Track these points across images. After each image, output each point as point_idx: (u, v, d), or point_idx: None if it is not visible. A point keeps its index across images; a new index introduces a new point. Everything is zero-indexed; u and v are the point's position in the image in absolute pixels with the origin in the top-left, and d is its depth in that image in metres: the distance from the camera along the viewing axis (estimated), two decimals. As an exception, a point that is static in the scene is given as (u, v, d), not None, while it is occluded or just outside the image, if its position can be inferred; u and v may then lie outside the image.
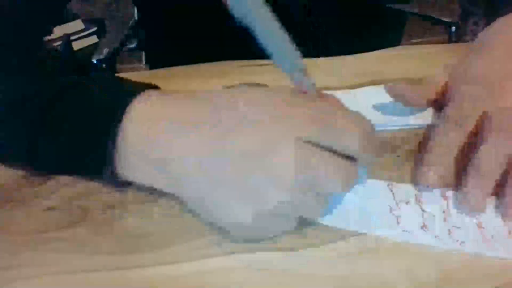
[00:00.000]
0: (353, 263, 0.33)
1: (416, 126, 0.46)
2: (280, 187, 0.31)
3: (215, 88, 0.53)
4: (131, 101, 0.35)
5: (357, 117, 0.34)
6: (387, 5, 0.80)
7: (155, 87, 0.38)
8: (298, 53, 0.32)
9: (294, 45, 0.31)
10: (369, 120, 0.35)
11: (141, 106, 0.35)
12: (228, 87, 0.38)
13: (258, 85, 0.43)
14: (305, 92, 0.33)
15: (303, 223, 0.34)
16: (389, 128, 0.46)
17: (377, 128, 0.46)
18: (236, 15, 0.29)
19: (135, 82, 0.38)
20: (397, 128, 0.46)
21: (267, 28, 0.30)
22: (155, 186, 0.35)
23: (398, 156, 0.42)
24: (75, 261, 0.33)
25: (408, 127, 0.46)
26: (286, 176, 0.31)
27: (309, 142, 0.32)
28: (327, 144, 0.32)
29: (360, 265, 0.32)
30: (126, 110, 0.34)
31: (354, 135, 0.32)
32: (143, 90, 0.36)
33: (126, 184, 0.37)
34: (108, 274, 0.32)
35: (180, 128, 0.34)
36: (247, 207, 0.31)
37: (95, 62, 0.84)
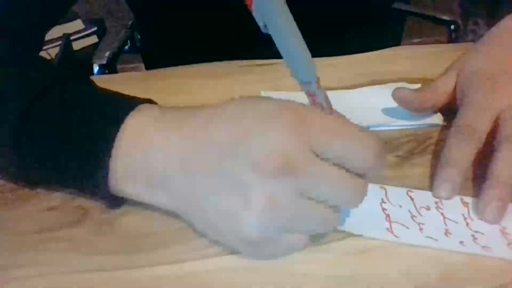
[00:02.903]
0: (353, 263, 0.33)
1: (416, 126, 0.46)
2: (257, 170, 0.29)
3: (214, 87, 0.53)
4: (121, 123, 0.33)
5: (368, 134, 0.32)
6: (387, 5, 0.80)
7: (131, 102, 0.35)
8: (314, 65, 0.31)
9: (311, 56, 0.30)
10: (379, 138, 0.32)
11: (133, 125, 0.33)
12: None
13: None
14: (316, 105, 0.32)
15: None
16: (389, 128, 0.46)
17: (377, 128, 0.46)
18: (257, 20, 0.28)
19: (126, 98, 0.36)
20: (397, 128, 0.46)
21: (287, 36, 0.29)
22: (142, 197, 0.34)
23: (398, 156, 0.42)
24: (75, 261, 0.33)
25: (408, 127, 0.46)
26: (267, 159, 0.29)
27: (314, 152, 0.30)
28: (335, 159, 0.30)
29: (360, 265, 0.32)
30: (119, 131, 0.33)
31: (365, 153, 0.31)
32: (130, 111, 0.34)
33: (119, 203, 0.36)
34: (108, 274, 0.32)
35: (163, 131, 0.33)
36: (232, 194, 0.30)
37: (97, 68, 0.84)
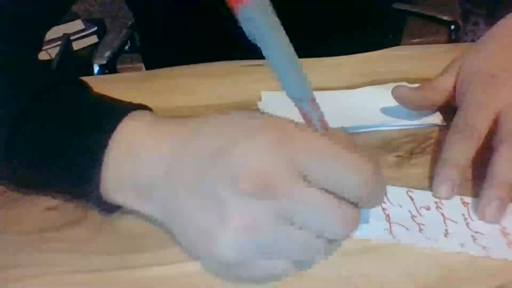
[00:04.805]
0: (353, 263, 0.33)
1: (416, 126, 0.46)
2: (233, 186, 0.28)
3: (214, 87, 0.53)
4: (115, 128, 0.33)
5: (364, 160, 0.29)
6: (387, 5, 0.80)
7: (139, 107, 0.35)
8: (309, 82, 0.29)
9: (306, 74, 0.28)
10: (377, 162, 0.30)
11: (125, 132, 0.33)
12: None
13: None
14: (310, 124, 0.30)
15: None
16: (389, 128, 0.46)
17: (377, 128, 0.46)
18: (246, 31, 0.26)
19: (118, 103, 0.36)
20: (397, 128, 0.46)
21: (279, 52, 0.27)
22: (130, 204, 0.34)
23: (398, 156, 0.42)
24: (75, 261, 0.33)
25: (408, 127, 0.46)
26: (245, 177, 0.28)
27: (302, 175, 0.28)
28: (324, 183, 0.28)
29: (360, 265, 0.32)
30: (111, 139, 0.32)
31: (356, 179, 0.28)
32: (127, 114, 0.34)
33: (113, 209, 0.36)
34: (108, 274, 0.32)
35: (152, 140, 0.32)
36: (211, 211, 0.28)
37: (97, 68, 0.84)
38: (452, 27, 0.97)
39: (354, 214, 0.29)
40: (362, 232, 0.34)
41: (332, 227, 0.29)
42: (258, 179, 0.28)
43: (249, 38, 0.27)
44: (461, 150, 0.38)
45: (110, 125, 0.33)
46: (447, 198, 0.37)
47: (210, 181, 0.29)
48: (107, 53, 0.87)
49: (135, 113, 0.34)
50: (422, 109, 0.46)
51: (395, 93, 0.45)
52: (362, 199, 0.29)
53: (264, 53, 0.27)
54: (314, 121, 0.30)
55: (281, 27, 0.27)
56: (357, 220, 0.29)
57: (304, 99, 0.29)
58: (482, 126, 0.39)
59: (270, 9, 0.26)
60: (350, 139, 0.31)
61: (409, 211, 0.36)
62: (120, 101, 0.36)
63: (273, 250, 0.29)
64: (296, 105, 0.29)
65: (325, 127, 0.30)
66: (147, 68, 0.85)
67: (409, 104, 0.46)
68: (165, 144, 0.32)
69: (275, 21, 0.26)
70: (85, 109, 0.35)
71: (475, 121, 0.39)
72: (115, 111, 0.34)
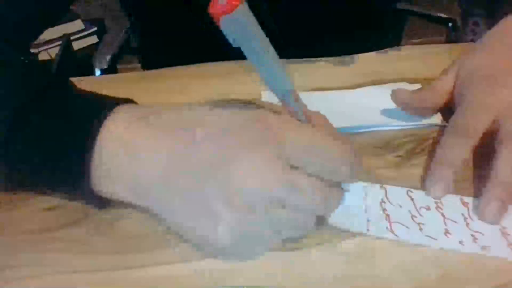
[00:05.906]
0: (353, 263, 0.33)
1: (416, 126, 0.46)
2: (228, 203, 0.30)
3: (214, 87, 0.53)
4: (104, 119, 0.33)
5: (344, 143, 0.33)
6: (387, 5, 0.80)
7: (126, 101, 0.36)
8: (289, 76, 0.32)
9: (285, 68, 0.31)
10: (354, 146, 0.35)
11: (112, 125, 0.33)
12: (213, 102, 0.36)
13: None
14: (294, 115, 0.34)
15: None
16: (389, 128, 0.46)
17: (377, 128, 0.46)
18: (226, 35, 0.29)
19: (106, 98, 0.36)
20: (397, 128, 0.46)
21: (259, 51, 0.30)
22: (126, 200, 0.34)
23: (398, 156, 0.42)
24: (75, 261, 0.33)
25: (408, 127, 0.46)
26: (239, 190, 0.30)
27: (290, 164, 0.31)
28: (311, 169, 0.32)
29: (360, 265, 0.32)
30: (100, 128, 0.33)
31: (340, 163, 0.32)
32: (114, 107, 0.34)
33: (105, 203, 0.35)
34: (108, 274, 0.32)
35: (148, 143, 0.33)
36: (204, 222, 0.31)
37: (98, 72, 0.84)
38: (450, 24, 0.97)
39: (339, 193, 0.34)
40: (363, 231, 0.34)
41: (320, 208, 0.32)
42: (253, 199, 0.30)
43: (232, 44, 0.29)
44: (456, 150, 0.38)
45: (98, 123, 0.33)
46: (439, 197, 0.37)
47: (206, 194, 0.31)
48: (108, 57, 0.87)
49: (120, 112, 0.34)
50: (423, 111, 0.46)
51: (394, 97, 0.45)
52: (343, 178, 0.33)
53: (247, 57, 0.30)
54: (298, 113, 0.33)
55: (258, 25, 0.29)
56: (340, 198, 0.34)
57: (285, 93, 0.33)
58: (480, 127, 0.39)
59: (250, 15, 0.29)
60: (328, 124, 0.35)
61: (409, 211, 0.36)
62: (106, 98, 0.36)
63: (265, 234, 0.32)
64: (280, 100, 0.33)
65: (307, 116, 0.34)
66: (147, 68, 0.85)
67: (409, 107, 0.45)
68: (160, 149, 0.32)
69: (252, 19, 0.29)
70: (73, 111, 0.35)
71: (473, 121, 0.39)
72: (104, 106, 0.34)
